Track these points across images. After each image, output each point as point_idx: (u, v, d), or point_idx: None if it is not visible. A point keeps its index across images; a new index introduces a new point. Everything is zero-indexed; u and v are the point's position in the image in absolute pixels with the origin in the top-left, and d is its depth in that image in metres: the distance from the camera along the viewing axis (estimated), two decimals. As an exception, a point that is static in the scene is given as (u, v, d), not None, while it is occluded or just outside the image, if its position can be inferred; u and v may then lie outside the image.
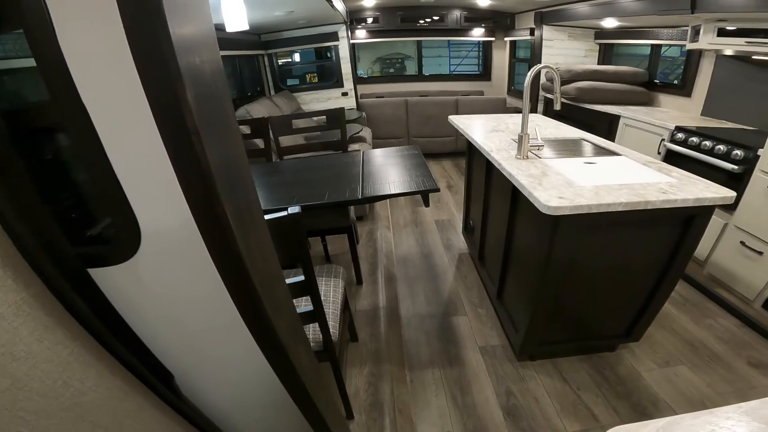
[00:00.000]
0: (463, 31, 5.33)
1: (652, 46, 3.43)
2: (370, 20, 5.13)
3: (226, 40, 3.33)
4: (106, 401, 0.58)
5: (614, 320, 1.65)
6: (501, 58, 5.65)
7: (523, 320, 1.64)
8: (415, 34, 5.41)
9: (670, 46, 3.28)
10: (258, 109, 3.39)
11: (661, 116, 2.79)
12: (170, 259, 0.62)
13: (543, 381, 1.66)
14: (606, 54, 4.17)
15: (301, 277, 1.08)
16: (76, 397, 0.53)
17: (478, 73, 5.98)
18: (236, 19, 2.05)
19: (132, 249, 0.60)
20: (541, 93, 4.42)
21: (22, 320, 0.48)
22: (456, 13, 5.12)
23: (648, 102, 3.41)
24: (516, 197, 1.67)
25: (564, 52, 4.22)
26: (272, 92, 4.78)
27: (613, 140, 2.95)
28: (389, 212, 3.40)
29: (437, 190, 1.57)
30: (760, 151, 1.87)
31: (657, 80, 3.43)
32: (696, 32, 2.50)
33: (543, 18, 4.13)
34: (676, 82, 3.25)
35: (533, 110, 4.36)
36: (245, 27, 2.09)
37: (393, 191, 1.57)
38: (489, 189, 2.12)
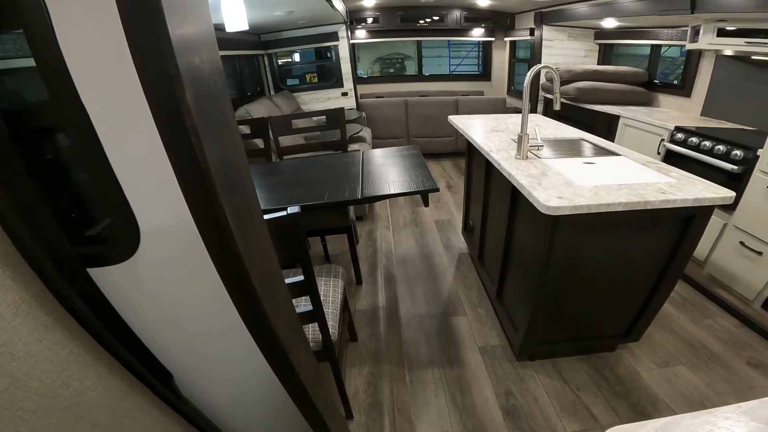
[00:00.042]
0: (463, 31, 5.33)
1: (652, 46, 3.43)
2: (370, 20, 5.13)
3: (226, 40, 3.33)
4: (105, 401, 0.58)
5: (614, 320, 1.65)
6: (501, 58, 5.66)
7: (522, 320, 1.64)
8: (415, 34, 5.41)
9: (670, 46, 3.28)
10: (258, 109, 3.39)
11: (660, 116, 2.79)
12: (169, 259, 0.62)
13: (542, 381, 1.66)
14: (606, 54, 4.17)
15: (301, 277, 1.08)
16: (75, 397, 0.53)
17: (477, 73, 5.98)
18: (236, 19, 2.05)
19: (131, 249, 0.60)
20: (541, 93, 4.42)
21: (22, 320, 0.48)
22: (456, 13, 5.12)
23: (648, 102, 3.41)
24: (516, 197, 1.67)
25: (564, 52, 4.22)
26: (272, 92, 4.78)
27: (612, 140, 2.95)
28: (389, 212, 3.40)
29: (437, 190, 1.57)
30: (760, 152, 1.87)
31: (657, 80, 3.43)
32: (696, 32, 2.50)
33: (543, 18, 4.13)
34: (675, 82, 3.25)
35: (533, 110, 4.36)
36: (245, 27, 2.09)
37: (392, 191, 1.57)
38: (489, 189, 2.12)
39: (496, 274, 1.98)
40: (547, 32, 4.17)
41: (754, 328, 1.88)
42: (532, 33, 4.39)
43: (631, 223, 1.33)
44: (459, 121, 2.41)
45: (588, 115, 3.41)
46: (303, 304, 1.19)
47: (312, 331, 1.28)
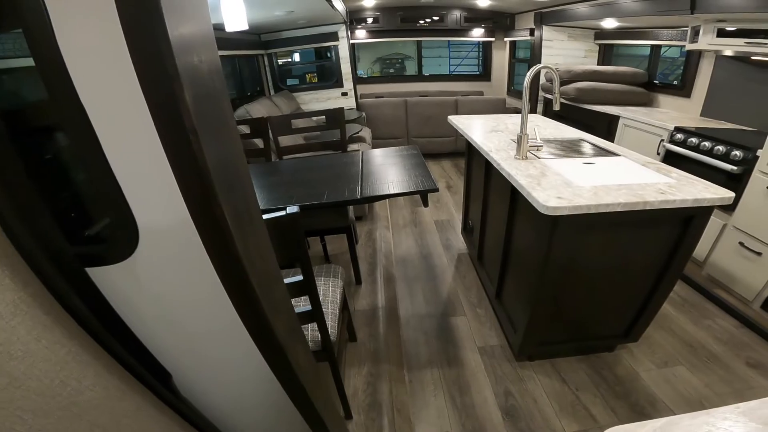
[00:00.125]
0: (463, 31, 5.33)
1: (652, 46, 3.43)
2: (370, 20, 5.13)
3: (226, 39, 3.33)
4: (103, 400, 0.58)
5: (613, 320, 1.65)
6: (501, 59, 5.66)
7: (521, 320, 1.64)
8: (415, 34, 5.42)
9: (670, 46, 3.29)
10: (257, 109, 3.39)
11: (660, 117, 2.79)
12: (168, 258, 0.62)
13: (541, 381, 1.66)
14: (606, 54, 4.17)
15: (300, 277, 1.08)
16: (73, 396, 0.53)
17: (477, 73, 5.98)
18: (236, 18, 2.05)
19: (130, 248, 0.60)
20: (541, 93, 4.43)
21: (20, 319, 0.48)
22: (456, 14, 5.12)
23: (647, 102, 3.41)
24: (515, 197, 1.68)
25: (564, 52, 4.22)
26: (272, 92, 4.78)
27: (612, 141, 2.96)
28: (388, 212, 3.40)
29: (436, 190, 1.58)
30: (759, 152, 1.87)
31: (656, 81, 3.44)
32: (695, 33, 2.50)
33: (543, 18, 4.13)
34: (675, 82, 3.25)
35: (533, 110, 4.36)
36: (245, 27, 2.09)
37: (392, 191, 1.57)
38: (488, 189, 2.12)
39: (496, 275, 1.98)
40: (547, 32, 4.17)
41: (754, 329, 1.88)
42: (532, 33, 4.39)
43: (631, 223, 1.33)
44: (459, 122, 2.41)
45: (588, 115, 3.41)
46: (302, 304, 1.19)
47: (311, 331, 1.28)
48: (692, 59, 2.90)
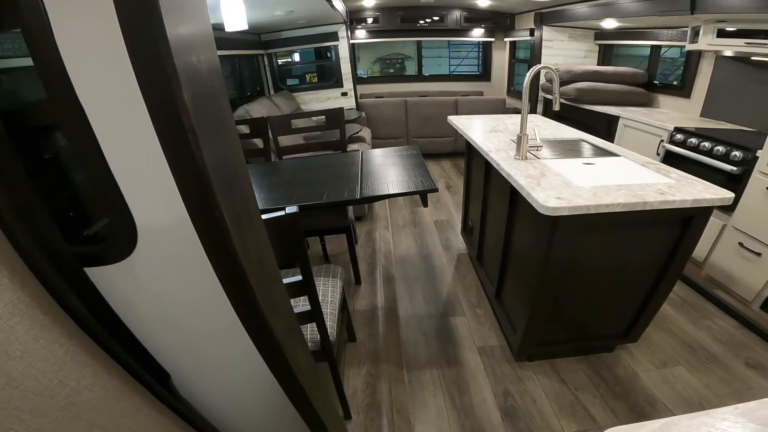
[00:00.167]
0: (463, 31, 5.33)
1: (652, 47, 3.43)
2: (370, 20, 5.13)
3: (226, 39, 3.33)
4: (102, 400, 0.58)
5: (612, 321, 1.65)
6: (501, 59, 5.66)
7: (521, 321, 1.64)
8: (415, 34, 5.42)
9: (670, 47, 3.29)
10: (257, 109, 3.39)
11: (660, 117, 2.80)
12: (167, 258, 0.62)
13: (541, 381, 1.66)
14: (606, 55, 4.17)
15: (299, 277, 1.08)
16: (71, 396, 0.53)
17: (477, 73, 5.99)
18: (235, 18, 2.05)
19: (129, 248, 0.60)
20: (541, 94, 4.43)
21: (18, 319, 0.48)
22: (456, 14, 5.12)
23: (647, 103, 3.41)
24: (515, 198, 1.67)
25: (564, 52, 4.22)
26: (272, 92, 4.78)
27: (612, 141, 2.96)
28: (388, 212, 3.40)
29: (436, 190, 1.58)
30: (759, 153, 1.87)
31: (656, 81, 3.44)
32: (695, 33, 2.50)
33: (543, 18, 4.13)
34: (675, 83, 3.25)
35: (532, 111, 4.36)
36: (244, 27, 2.09)
37: (392, 191, 1.57)
38: (488, 189, 2.12)
39: (495, 275, 1.98)
40: (547, 33, 4.17)
41: (753, 329, 1.88)
42: (532, 33, 4.39)
43: (630, 223, 1.33)
44: (458, 122, 2.41)
45: (587, 115, 3.41)
46: (301, 304, 1.19)
47: (310, 331, 1.27)
48: (692, 60, 2.90)
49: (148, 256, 0.61)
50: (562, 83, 3.59)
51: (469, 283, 2.37)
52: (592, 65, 3.98)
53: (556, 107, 1.68)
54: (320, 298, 1.30)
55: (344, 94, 4.87)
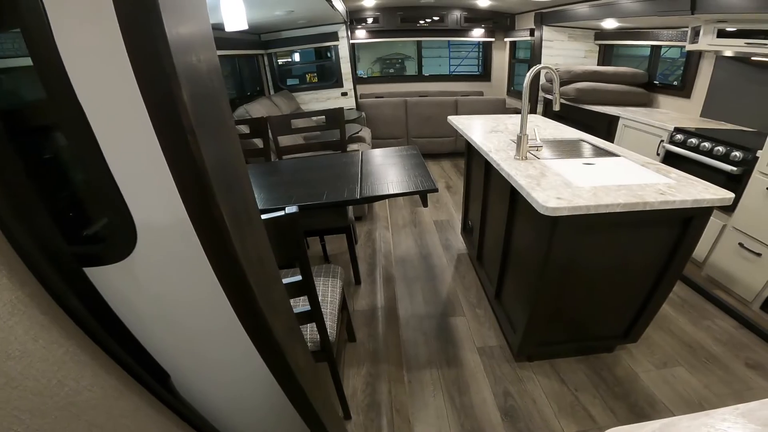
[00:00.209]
0: (463, 31, 5.33)
1: (652, 47, 3.43)
2: (370, 20, 5.13)
3: (226, 39, 3.33)
4: (101, 400, 0.58)
5: (612, 321, 1.65)
6: (501, 59, 5.66)
7: (521, 321, 1.64)
8: (415, 34, 5.42)
9: (670, 47, 3.29)
10: (257, 109, 3.39)
11: (660, 117, 2.79)
12: (166, 258, 0.61)
13: (541, 382, 1.66)
14: (606, 55, 4.17)
15: (299, 277, 1.08)
16: (71, 396, 0.53)
17: (477, 73, 5.99)
18: (235, 18, 2.04)
19: (128, 248, 0.60)
20: (541, 94, 4.42)
21: (18, 319, 0.48)
22: (456, 14, 5.12)
23: (647, 103, 3.41)
24: (515, 198, 1.67)
25: (564, 52, 4.22)
26: (272, 92, 4.78)
27: (612, 141, 2.96)
28: (388, 212, 3.40)
29: (436, 190, 1.58)
30: (759, 153, 1.87)
31: (656, 81, 3.44)
32: (696, 33, 2.50)
33: (543, 19, 4.13)
34: (675, 83, 3.25)
35: (532, 111, 4.36)
36: (244, 27, 2.09)
37: (391, 191, 1.57)
38: (488, 189, 2.12)
39: (495, 275, 1.98)
40: (547, 33, 4.17)
41: (753, 330, 1.88)
42: (532, 33, 4.39)
43: (630, 224, 1.33)
44: (458, 122, 2.41)
45: (587, 115, 3.41)
46: (301, 305, 1.19)
47: (310, 331, 1.27)
48: (692, 60, 2.90)
49: (147, 256, 0.61)
50: (562, 83, 3.59)
51: (469, 283, 2.37)
52: (592, 65, 3.98)
53: (556, 107, 1.68)
54: (320, 298, 1.29)
55: (344, 94, 4.87)
